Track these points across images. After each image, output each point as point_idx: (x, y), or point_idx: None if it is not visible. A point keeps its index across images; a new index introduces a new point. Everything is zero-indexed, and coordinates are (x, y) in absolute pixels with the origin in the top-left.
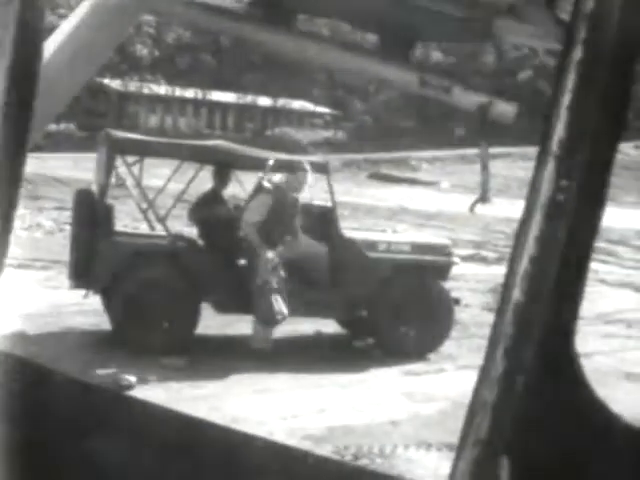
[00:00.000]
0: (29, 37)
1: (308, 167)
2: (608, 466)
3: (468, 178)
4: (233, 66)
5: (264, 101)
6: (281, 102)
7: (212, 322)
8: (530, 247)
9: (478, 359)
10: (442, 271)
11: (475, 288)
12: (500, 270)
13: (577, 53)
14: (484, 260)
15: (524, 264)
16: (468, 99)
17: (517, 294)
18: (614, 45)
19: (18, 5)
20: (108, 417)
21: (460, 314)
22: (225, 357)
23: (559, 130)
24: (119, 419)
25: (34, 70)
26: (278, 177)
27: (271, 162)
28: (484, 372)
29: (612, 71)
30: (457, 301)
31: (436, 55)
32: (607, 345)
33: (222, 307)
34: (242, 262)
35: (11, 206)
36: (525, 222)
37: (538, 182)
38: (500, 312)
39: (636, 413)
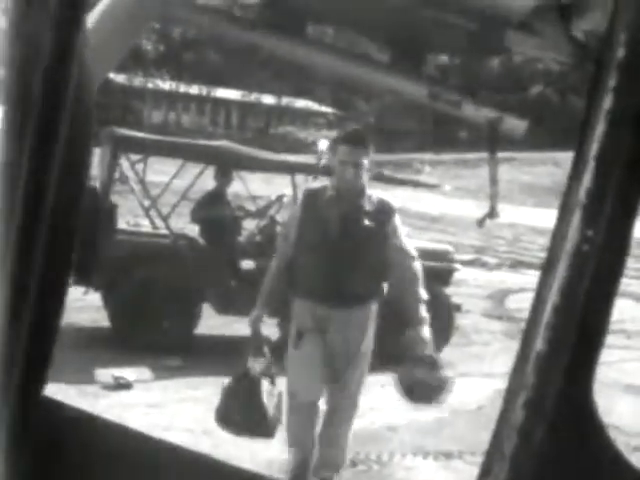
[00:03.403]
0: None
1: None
2: None
3: (471, 182)
4: (238, 63)
5: (268, 99)
6: (285, 101)
7: (212, 322)
8: (554, 297)
9: (477, 366)
10: (443, 277)
11: (475, 294)
12: (500, 276)
13: (606, 102)
14: (485, 265)
15: (547, 314)
16: (478, 114)
17: (539, 344)
18: None
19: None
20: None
21: (460, 320)
22: (224, 358)
23: (586, 179)
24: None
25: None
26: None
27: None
28: (502, 422)
29: None
30: (458, 307)
31: (442, 58)
32: (607, 356)
33: (222, 307)
34: (244, 263)
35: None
36: (548, 271)
37: (562, 231)
38: (520, 361)
39: (636, 424)
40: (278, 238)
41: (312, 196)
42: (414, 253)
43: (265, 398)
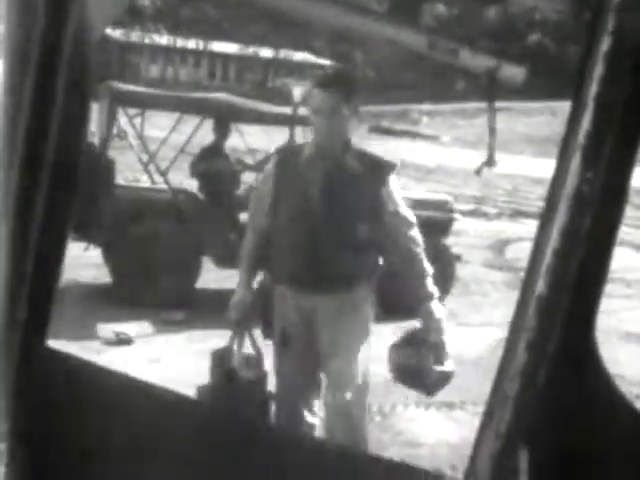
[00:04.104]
0: None
1: None
2: (627, 457)
3: (469, 132)
4: (235, 17)
5: (266, 52)
6: (283, 54)
7: (212, 276)
8: (554, 240)
9: (478, 317)
10: (443, 227)
11: (475, 244)
12: (500, 226)
13: (604, 44)
14: (485, 215)
15: (548, 257)
16: (476, 62)
17: (540, 286)
18: None
19: None
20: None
21: (460, 271)
22: (225, 311)
23: (585, 122)
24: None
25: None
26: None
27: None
28: (504, 366)
29: (639, 62)
30: (458, 257)
31: (440, 8)
32: (606, 305)
33: (222, 261)
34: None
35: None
36: (548, 215)
37: (561, 175)
38: (521, 305)
39: (637, 373)
40: (249, 207)
41: (286, 156)
42: (413, 219)
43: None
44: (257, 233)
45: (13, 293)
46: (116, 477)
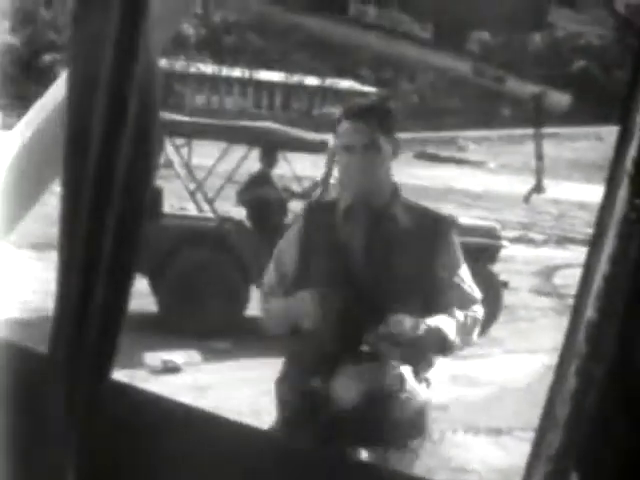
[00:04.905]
0: None
1: None
2: None
3: (516, 158)
4: (280, 45)
5: (311, 80)
6: (328, 82)
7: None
8: (603, 266)
9: (525, 343)
10: (490, 254)
11: (522, 270)
12: (547, 252)
13: None
14: (532, 242)
15: (597, 283)
16: (522, 89)
17: (590, 312)
18: None
19: None
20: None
21: (507, 297)
22: (273, 339)
23: (633, 148)
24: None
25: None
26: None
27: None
28: (555, 389)
29: None
30: (505, 284)
31: (485, 35)
32: None
33: None
34: None
35: None
36: (597, 240)
37: (610, 202)
38: (571, 330)
39: None
40: (266, 273)
41: (317, 210)
42: (478, 294)
43: None
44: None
45: (79, 324)
46: None
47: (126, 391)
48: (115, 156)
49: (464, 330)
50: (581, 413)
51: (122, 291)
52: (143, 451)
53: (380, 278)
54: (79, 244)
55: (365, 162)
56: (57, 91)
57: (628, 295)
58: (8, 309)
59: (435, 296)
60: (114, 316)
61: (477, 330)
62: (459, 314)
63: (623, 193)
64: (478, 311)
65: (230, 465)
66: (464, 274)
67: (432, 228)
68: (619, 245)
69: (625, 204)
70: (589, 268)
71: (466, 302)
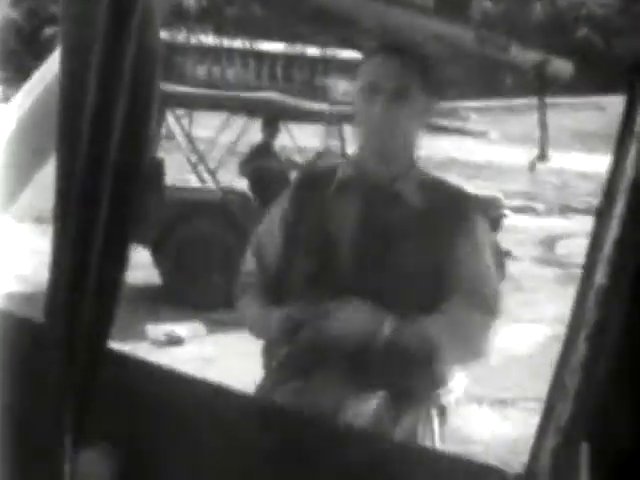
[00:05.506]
0: None
1: None
2: None
3: (518, 128)
4: (282, 16)
5: (313, 51)
6: (330, 52)
7: None
8: (614, 230)
9: (528, 313)
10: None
11: (525, 240)
12: (550, 222)
13: None
14: (534, 212)
15: (607, 248)
16: (525, 57)
17: (599, 278)
18: None
19: None
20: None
21: (510, 267)
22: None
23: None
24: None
25: None
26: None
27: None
28: (564, 359)
29: None
30: (508, 254)
31: (487, 3)
32: None
33: None
34: None
35: None
36: (606, 207)
37: (620, 165)
38: (580, 296)
39: None
40: (250, 246)
41: (312, 180)
42: (497, 285)
43: None
44: (261, 289)
45: (74, 294)
46: None
47: (127, 361)
48: (111, 122)
49: (472, 343)
50: (592, 382)
51: (118, 259)
52: (146, 419)
53: (372, 281)
54: (73, 212)
55: (389, 110)
56: (55, 61)
57: (638, 259)
58: (9, 283)
59: (445, 297)
60: (110, 284)
61: (489, 340)
62: (467, 319)
63: (632, 159)
64: (491, 319)
65: (231, 434)
66: (485, 272)
67: (447, 210)
68: (629, 209)
69: (634, 170)
70: (599, 234)
71: (480, 306)
